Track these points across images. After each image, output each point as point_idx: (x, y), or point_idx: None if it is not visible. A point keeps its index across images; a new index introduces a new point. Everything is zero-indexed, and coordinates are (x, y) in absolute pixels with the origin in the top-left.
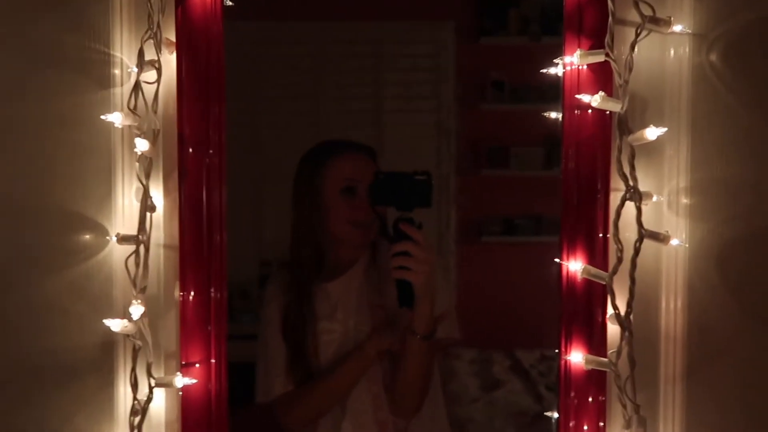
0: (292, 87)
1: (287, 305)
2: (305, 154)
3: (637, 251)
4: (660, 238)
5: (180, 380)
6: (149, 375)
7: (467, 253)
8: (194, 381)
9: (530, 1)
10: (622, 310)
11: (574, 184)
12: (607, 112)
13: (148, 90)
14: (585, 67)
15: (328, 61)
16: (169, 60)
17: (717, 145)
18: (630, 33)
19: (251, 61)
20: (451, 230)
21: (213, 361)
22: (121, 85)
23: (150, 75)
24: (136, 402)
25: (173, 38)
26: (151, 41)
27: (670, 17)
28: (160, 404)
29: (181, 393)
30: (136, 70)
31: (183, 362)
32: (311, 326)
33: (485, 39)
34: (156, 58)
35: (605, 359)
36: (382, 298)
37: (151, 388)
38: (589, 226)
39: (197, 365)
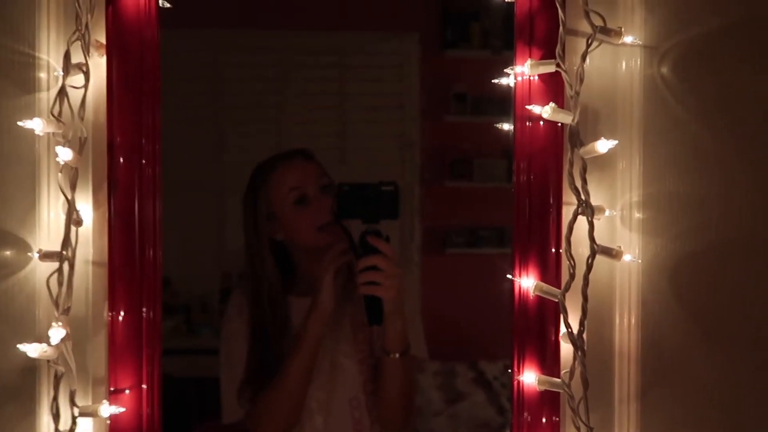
0: (256, 96)
1: (255, 319)
2: (245, 191)
3: (589, 267)
4: (613, 253)
5: (106, 409)
6: (72, 404)
7: (432, 264)
8: (122, 410)
9: (492, 15)
10: (575, 329)
11: (526, 197)
12: (559, 124)
13: (75, 95)
14: (536, 78)
15: (291, 70)
16: (99, 63)
17: (668, 159)
18: (581, 43)
19: (214, 68)
20: (415, 242)
21: (144, 386)
22: (47, 89)
23: (78, 79)
24: None
25: (104, 40)
26: (79, 43)
27: (620, 28)
28: None
29: (109, 422)
30: (62, 73)
31: (111, 388)
32: (282, 343)
33: (449, 51)
34: (84, 61)
35: (558, 380)
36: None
37: (74, 419)
38: (541, 241)
39: (127, 392)
